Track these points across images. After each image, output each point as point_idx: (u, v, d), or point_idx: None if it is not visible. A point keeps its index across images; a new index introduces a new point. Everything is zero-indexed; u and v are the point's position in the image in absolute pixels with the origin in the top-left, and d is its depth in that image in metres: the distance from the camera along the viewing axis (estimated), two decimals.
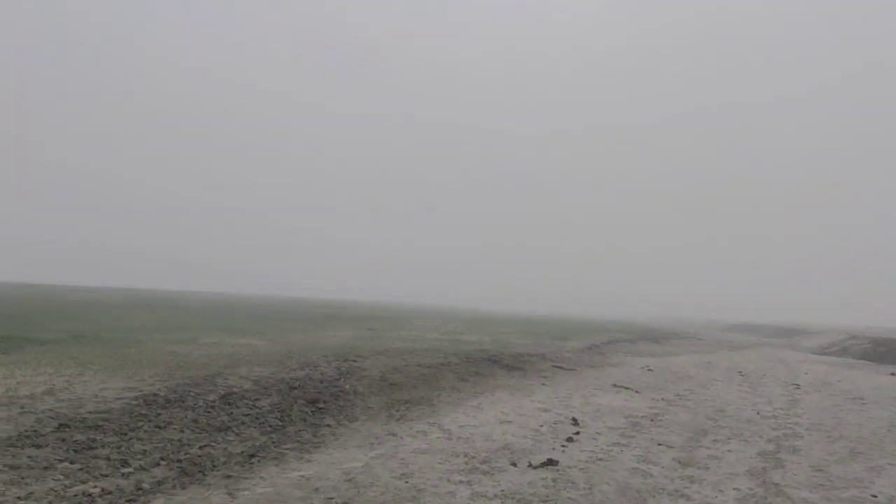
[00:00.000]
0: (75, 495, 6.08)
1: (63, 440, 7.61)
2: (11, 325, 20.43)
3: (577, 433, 10.10)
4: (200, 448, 8.03)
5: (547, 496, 6.88)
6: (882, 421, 12.77)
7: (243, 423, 9.40)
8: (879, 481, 8.23)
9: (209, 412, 9.73)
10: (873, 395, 17.00)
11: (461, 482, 7.21)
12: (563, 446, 9.19)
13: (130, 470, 6.95)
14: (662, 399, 14.31)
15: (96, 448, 7.51)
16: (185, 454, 7.73)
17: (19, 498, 5.86)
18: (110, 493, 6.24)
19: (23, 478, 6.35)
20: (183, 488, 6.60)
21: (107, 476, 6.70)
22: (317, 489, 6.71)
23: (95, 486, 6.33)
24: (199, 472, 7.16)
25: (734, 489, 7.54)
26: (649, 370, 20.36)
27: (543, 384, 15.69)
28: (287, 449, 8.42)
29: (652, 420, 11.71)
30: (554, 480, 7.45)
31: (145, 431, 8.40)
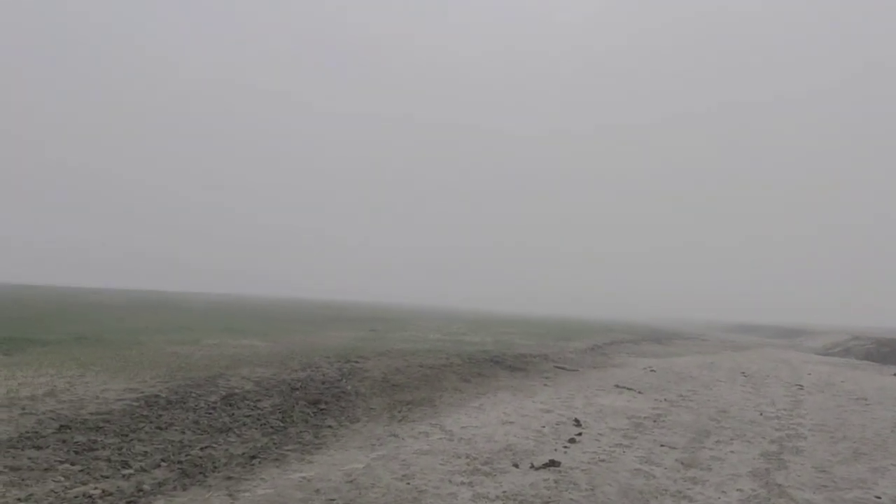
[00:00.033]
0: (76, 497, 6.06)
1: (64, 441, 7.60)
2: (13, 326, 20.44)
3: (580, 434, 10.07)
4: (201, 449, 8.02)
5: (549, 497, 6.85)
6: (886, 422, 12.71)
7: (244, 425, 9.38)
8: (883, 482, 8.18)
9: (210, 413, 9.71)
10: (877, 395, 16.93)
11: (463, 483, 7.18)
12: (566, 447, 9.15)
13: (131, 471, 6.94)
14: (665, 400, 14.26)
15: (97, 449, 7.49)
16: (186, 455, 7.71)
17: (19, 499, 5.84)
18: (111, 494, 6.22)
19: (23, 479, 6.33)
20: (184, 490, 6.58)
21: (107, 477, 6.69)
22: (318, 490, 6.69)
23: (96, 488, 6.32)
24: (200, 473, 7.15)
25: (737, 490, 7.51)
26: (652, 371, 20.31)
27: (546, 385, 15.66)
28: (288, 450, 8.40)
29: (655, 421, 11.67)
30: (556, 482, 7.42)
31: (146, 433, 8.38)
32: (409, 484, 7.05)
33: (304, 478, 7.13)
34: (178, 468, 7.22)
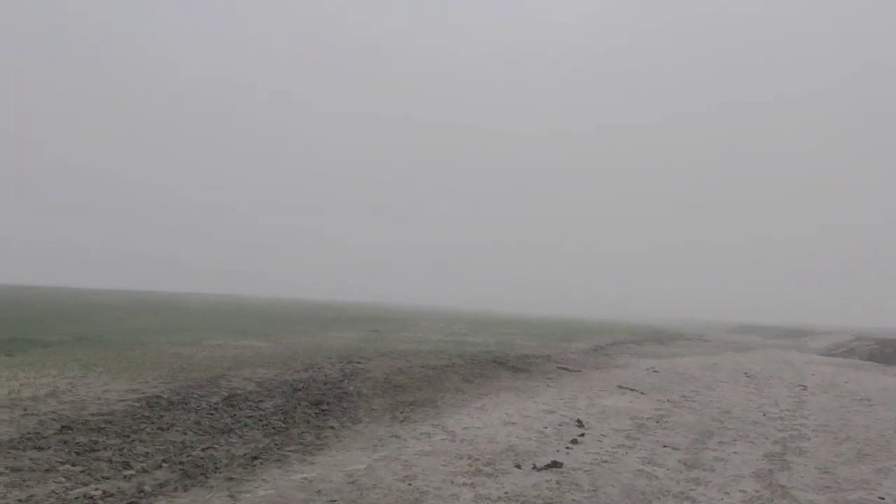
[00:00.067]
0: (76, 498, 6.05)
1: (65, 442, 7.58)
2: (15, 327, 20.46)
3: (582, 435, 10.04)
4: (203, 450, 8.00)
5: (551, 498, 6.82)
6: (889, 422, 12.67)
7: (246, 425, 9.37)
8: (887, 483, 8.15)
9: (212, 414, 9.70)
10: (880, 396, 16.88)
11: (465, 484, 7.16)
12: (568, 448, 9.13)
13: (132, 472, 6.92)
14: (668, 400, 14.23)
15: (98, 450, 7.48)
16: (188, 456, 7.70)
17: (20, 500, 5.83)
18: (112, 495, 6.21)
19: (24, 480, 6.32)
20: (185, 490, 6.57)
21: (108, 478, 6.67)
22: (319, 491, 6.67)
23: (97, 489, 6.31)
24: (202, 474, 7.13)
25: (740, 491, 7.48)
26: (655, 371, 20.27)
27: (548, 386, 15.63)
28: (290, 451, 8.39)
29: (657, 422, 11.63)
30: (558, 483, 7.39)
31: (148, 433, 8.37)
32: (410, 485, 7.02)
33: (305, 479, 7.12)
34: (180, 469, 7.21)
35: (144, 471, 7.03)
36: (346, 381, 13.12)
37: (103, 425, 8.40)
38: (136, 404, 9.59)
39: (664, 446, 9.63)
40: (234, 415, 9.83)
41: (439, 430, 10.01)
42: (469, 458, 8.31)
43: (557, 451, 8.94)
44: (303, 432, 9.43)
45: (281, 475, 7.26)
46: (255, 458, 7.93)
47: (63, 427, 8.10)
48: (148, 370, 12.42)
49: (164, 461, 7.42)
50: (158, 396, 10.21)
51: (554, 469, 7.94)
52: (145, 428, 8.57)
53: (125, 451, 7.58)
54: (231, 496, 6.44)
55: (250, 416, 9.86)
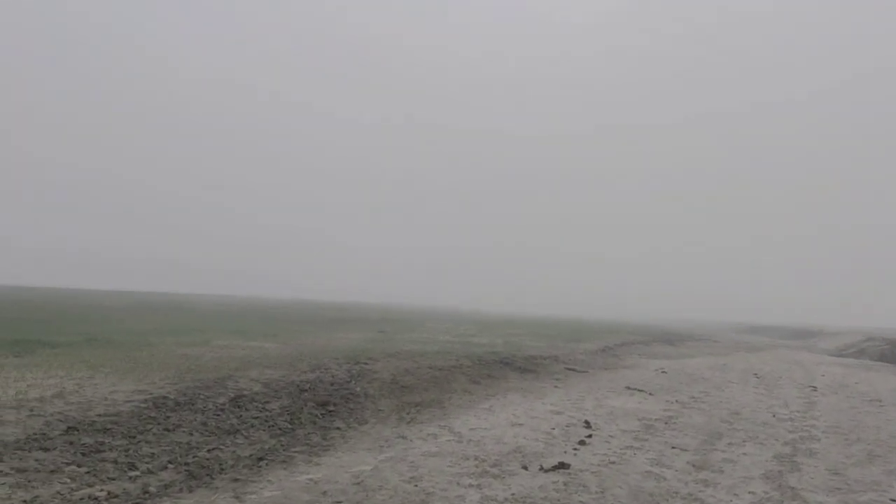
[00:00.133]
0: (81, 499, 6.04)
1: (71, 443, 7.58)
2: (22, 328, 20.54)
3: (590, 436, 9.98)
4: (209, 451, 7.99)
5: (558, 500, 6.77)
6: None
7: (252, 426, 9.35)
8: None
9: (218, 415, 9.69)
10: (891, 396, 16.74)
11: (471, 485, 7.12)
12: (576, 449, 9.07)
13: (137, 473, 6.91)
14: (677, 401, 14.15)
15: (104, 451, 7.47)
16: (193, 457, 7.68)
17: (25, 501, 5.82)
18: (116, 496, 6.20)
19: (29, 481, 6.31)
20: (190, 491, 6.55)
21: (114, 479, 6.66)
22: (325, 492, 6.64)
23: (102, 490, 6.29)
24: (207, 475, 7.12)
25: (749, 493, 7.40)
26: (663, 372, 20.17)
27: (556, 386, 15.57)
28: (296, 452, 8.37)
29: (666, 423, 11.56)
30: (565, 484, 7.34)
31: (154, 434, 8.36)
32: (416, 486, 6.99)
33: (311, 480, 7.09)
34: (185, 470, 7.19)
35: (150, 472, 7.01)
36: (353, 381, 13.09)
37: (109, 426, 8.40)
38: (143, 405, 9.59)
39: (672, 447, 9.56)
40: (241, 416, 9.82)
41: (446, 431, 9.97)
42: (476, 459, 8.27)
43: (565, 452, 8.89)
44: (309, 433, 9.41)
45: (286, 476, 7.24)
46: (260, 459, 7.91)
47: (69, 428, 8.10)
48: (155, 371, 12.43)
49: (169, 462, 7.40)
50: (165, 397, 10.21)
51: (561, 470, 7.89)
52: (151, 429, 8.56)
53: (131, 452, 7.57)
54: (236, 497, 6.41)
55: (256, 417, 9.84)
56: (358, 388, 12.54)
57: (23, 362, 12.71)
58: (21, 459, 6.85)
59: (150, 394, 10.33)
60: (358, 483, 7.00)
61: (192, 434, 8.62)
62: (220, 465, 7.52)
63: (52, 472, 6.66)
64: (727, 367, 24.26)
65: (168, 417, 9.17)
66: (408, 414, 11.20)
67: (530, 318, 75.88)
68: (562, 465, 8.03)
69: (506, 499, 6.71)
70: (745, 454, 9.38)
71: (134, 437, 8.10)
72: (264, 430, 9.23)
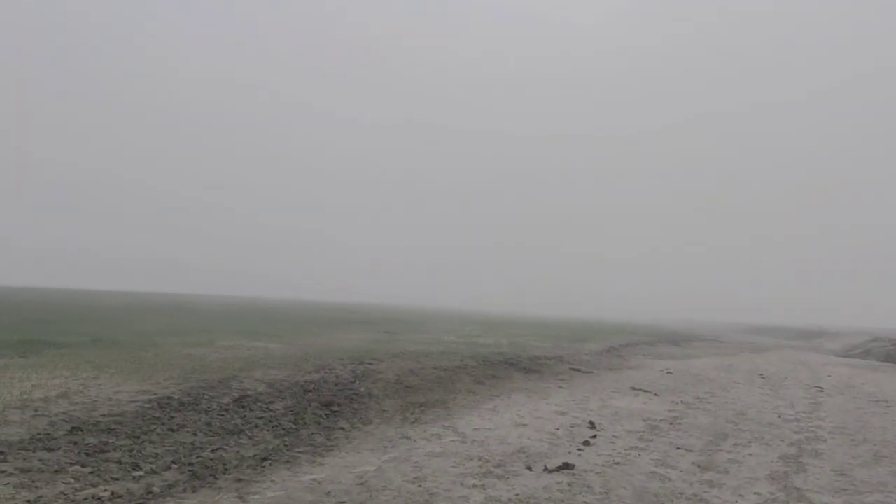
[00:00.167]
0: (85, 499, 6.04)
1: (75, 443, 7.59)
2: (28, 328, 20.60)
3: (594, 437, 9.95)
4: (212, 451, 7.98)
5: (562, 500, 6.75)
6: None
7: (256, 427, 9.35)
8: None
9: (223, 415, 9.69)
10: None
11: (475, 486, 7.10)
12: (580, 450, 9.04)
13: (141, 473, 6.91)
14: (682, 402, 14.10)
15: (108, 451, 7.48)
16: (197, 457, 7.68)
17: (29, 501, 5.83)
18: (120, 496, 6.20)
19: (33, 481, 6.32)
20: (193, 492, 6.55)
21: (117, 479, 6.66)
22: (328, 493, 6.63)
23: (105, 490, 6.30)
24: (211, 475, 7.11)
25: (755, 494, 7.37)
26: (669, 373, 20.11)
27: (560, 387, 15.53)
28: (299, 452, 8.36)
29: (671, 423, 11.52)
30: (570, 485, 7.31)
31: (158, 434, 8.36)
32: (420, 486, 6.97)
33: (314, 480, 7.08)
34: (189, 470, 7.19)
35: (153, 472, 7.02)
36: (358, 382, 13.09)
37: (114, 426, 8.41)
38: (147, 405, 9.60)
39: (677, 448, 9.53)
40: (245, 416, 9.82)
41: (450, 431, 9.95)
42: (480, 459, 8.25)
43: (569, 452, 8.86)
44: (313, 433, 9.40)
45: (290, 476, 7.23)
46: (264, 459, 7.90)
47: (73, 428, 8.11)
48: (160, 371, 12.44)
49: (173, 462, 7.40)
50: (169, 397, 10.22)
51: (565, 471, 7.86)
52: (155, 429, 8.57)
53: (135, 452, 7.58)
54: (239, 497, 6.41)
55: (261, 418, 9.84)
56: (362, 389, 12.53)
57: (28, 363, 12.74)
58: (25, 459, 6.86)
59: (155, 394, 10.34)
60: (361, 483, 6.99)
61: (196, 434, 8.63)
62: (224, 465, 7.52)
63: (55, 472, 6.66)
64: (732, 367, 24.17)
65: (172, 418, 9.18)
66: (412, 414, 11.19)
67: (533, 318, 75.78)
68: (566, 466, 8.01)
69: (509, 499, 6.69)
70: (750, 455, 9.33)
71: (138, 438, 8.11)
72: (268, 431, 9.23)
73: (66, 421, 8.37)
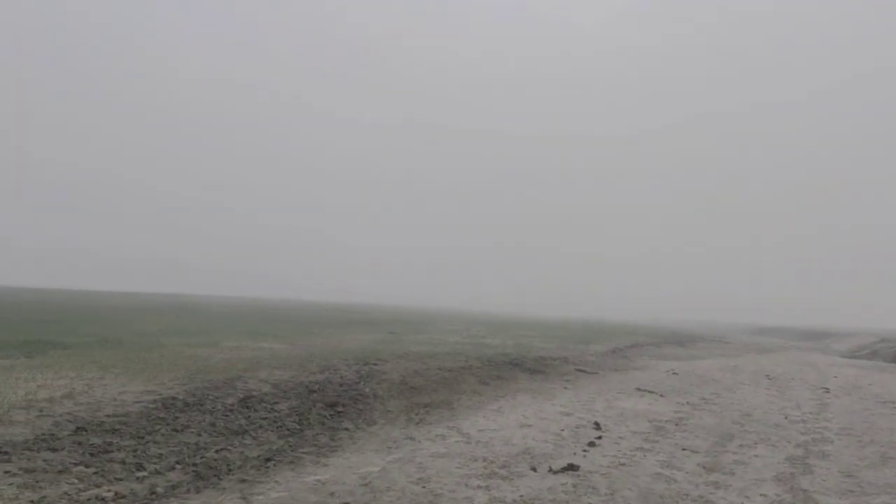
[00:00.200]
0: (88, 499, 6.03)
1: (79, 444, 7.59)
2: (34, 329, 20.65)
3: (600, 438, 9.91)
4: (217, 452, 7.98)
5: (567, 502, 6.72)
6: None
7: (261, 427, 9.34)
8: None
9: (227, 416, 9.69)
10: None
11: (479, 487, 7.07)
12: (585, 451, 9.01)
13: (145, 474, 6.91)
14: (687, 403, 14.05)
15: (112, 451, 7.48)
16: (201, 458, 7.67)
17: (32, 501, 5.82)
18: (124, 496, 6.19)
19: (37, 481, 6.32)
20: (197, 492, 6.53)
21: (121, 480, 6.66)
22: (332, 493, 6.62)
23: (109, 490, 6.29)
24: (215, 475, 7.10)
25: (761, 495, 7.32)
26: (674, 374, 20.05)
27: (566, 388, 15.49)
28: (304, 453, 8.34)
29: (676, 424, 11.47)
30: (574, 486, 7.29)
31: (162, 435, 8.36)
32: (424, 487, 6.95)
33: (318, 481, 7.06)
34: (193, 471, 7.18)
35: (157, 472, 7.01)
36: (362, 382, 13.07)
37: (118, 427, 8.41)
38: (152, 406, 9.61)
39: (683, 449, 9.49)
40: (249, 416, 9.81)
41: (454, 432, 9.93)
42: (484, 460, 8.23)
43: (574, 453, 8.83)
44: (317, 434, 9.38)
45: (294, 477, 7.22)
46: (268, 459, 7.89)
47: (78, 428, 8.12)
48: (165, 372, 12.45)
49: (177, 463, 7.39)
50: (174, 398, 10.22)
51: (570, 472, 7.83)
52: (160, 429, 8.56)
53: (139, 452, 7.57)
54: (243, 498, 6.40)
55: (265, 418, 9.83)
56: (367, 389, 12.51)
57: (33, 363, 12.77)
58: (29, 460, 6.87)
59: (160, 394, 10.35)
60: (365, 484, 6.98)
61: (200, 435, 8.62)
62: (228, 465, 7.51)
63: (59, 472, 6.66)
64: (738, 368, 24.10)
65: (177, 418, 9.18)
66: (416, 415, 11.17)
67: (535, 318, 75.64)
68: (571, 467, 7.97)
69: (514, 500, 6.67)
70: (756, 456, 9.29)
71: (142, 438, 8.11)
72: (272, 431, 9.22)
73: (70, 421, 8.38)
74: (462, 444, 9.12)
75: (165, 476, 6.93)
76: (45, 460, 6.91)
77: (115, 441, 7.85)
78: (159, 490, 6.47)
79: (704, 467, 8.48)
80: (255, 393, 11.18)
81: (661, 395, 14.98)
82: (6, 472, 6.47)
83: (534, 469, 7.91)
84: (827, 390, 17.84)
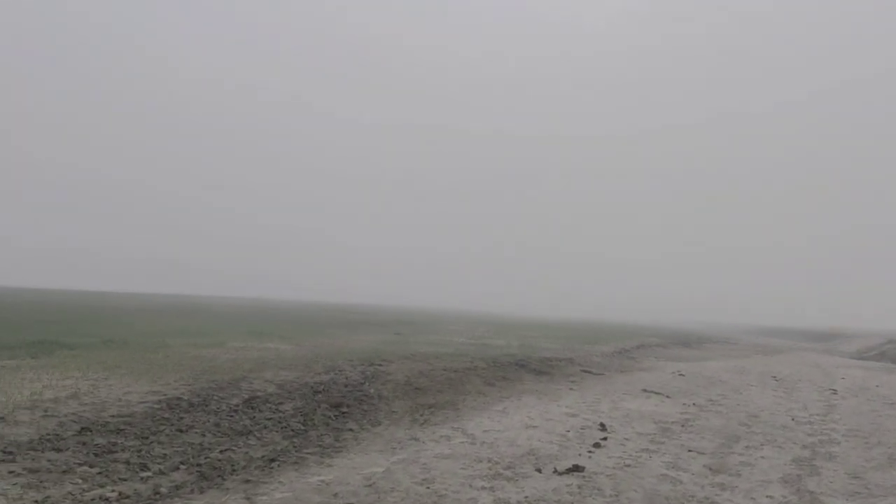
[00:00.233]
0: (92, 499, 6.04)
1: (84, 444, 7.60)
2: (40, 329, 20.70)
3: (605, 439, 9.87)
4: (221, 452, 7.98)
5: (572, 503, 6.68)
6: None
7: (265, 427, 9.34)
8: None
9: (232, 416, 9.69)
10: None
11: (484, 488, 7.05)
12: (590, 452, 8.97)
13: (149, 474, 6.91)
14: (694, 404, 13.98)
15: (116, 452, 7.49)
16: (206, 458, 7.67)
17: (36, 501, 5.83)
18: (128, 497, 6.19)
19: (41, 481, 6.33)
20: (201, 493, 6.53)
21: (125, 480, 6.66)
22: (336, 494, 6.60)
23: (113, 490, 6.29)
24: (219, 476, 7.10)
25: (767, 497, 7.27)
26: (681, 375, 19.97)
27: (571, 389, 15.45)
28: (308, 453, 8.33)
29: (682, 426, 11.42)
30: (580, 487, 7.25)
31: (167, 435, 8.37)
32: (428, 488, 6.93)
33: (322, 481, 7.05)
34: (197, 471, 7.18)
35: (161, 472, 7.01)
36: (367, 383, 13.06)
37: (122, 427, 8.42)
38: (157, 406, 9.61)
39: (689, 451, 9.44)
40: (254, 417, 9.81)
41: (459, 432, 9.91)
42: (489, 461, 8.20)
43: (579, 454, 8.79)
44: (322, 434, 9.38)
45: (298, 478, 7.20)
46: (272, 460, 7.89)
47: (82, 428, 8.13)
48: (170, 372, 12.46)
49: (181, 463, 7.40)
50: (179, 398, 10.23)
51: (575, 473, 7.80)
52: (164, 430, 8.57)
53: (143, 452, 7.58)
54: (247, 498, 6.39)
55: (270, 419, 9.83)
56: (372, 390, 12.50)
57: (39, 363, 12.80)
58: (33, 460, 6.88)
59: (164, 395, 10.36)
60: (369, 485, 6.96)
61: (204, 435, 8.62)
62: (232, 466, 7.51)
63: (64, 472, 6.67)
64: (745, 369, 23.98)
65: (181, 418, 9.18)
66: (421, 416, 11.15)
67: (537, 319, 75.48)
68: (576, 468, 7.94)
69: (519, 501, 6.64)
70: (763, 457, 9.23)
71: (147, 438, 8.12)
72: (277, 432, 9.22)
73: (75, 421, 8.39)
74: (467, 444, 9.09)
75: (169, 476, 6.93)
76: (49, 460, 6.92)
77: (119, 441, 7.86)
78: (163, 490, 6.47)
79: (710, 469, 8.43)
80: (259, 393, 11.18)
81: (667, 397, 14.91)
82: (10, 472, 6.48)
83: (539, 470, 7.88)
84: (834, 391, 17.74)
